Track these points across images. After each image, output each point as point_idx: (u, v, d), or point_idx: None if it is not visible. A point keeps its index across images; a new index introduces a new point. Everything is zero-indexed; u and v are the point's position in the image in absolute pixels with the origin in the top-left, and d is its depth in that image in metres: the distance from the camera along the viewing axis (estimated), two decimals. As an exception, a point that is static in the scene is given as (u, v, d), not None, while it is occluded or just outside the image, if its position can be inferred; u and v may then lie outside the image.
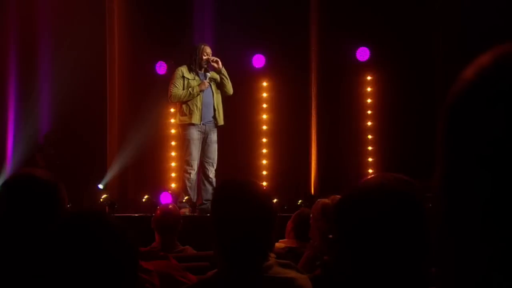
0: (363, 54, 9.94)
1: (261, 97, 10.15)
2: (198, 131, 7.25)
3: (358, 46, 9.90)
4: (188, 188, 7.27)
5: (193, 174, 7.28)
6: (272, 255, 2.18)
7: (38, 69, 9.18)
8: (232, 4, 9.74)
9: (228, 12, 9.75)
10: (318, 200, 4.11)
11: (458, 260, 0.66)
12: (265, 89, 10.18)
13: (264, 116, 10.10)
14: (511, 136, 0.64)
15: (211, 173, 7.37)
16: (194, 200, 7.36)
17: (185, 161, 7.27)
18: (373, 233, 1.41)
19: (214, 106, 7.36)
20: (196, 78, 7.30)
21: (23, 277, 1.81)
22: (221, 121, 7.41)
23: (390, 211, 1.43)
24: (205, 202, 7.13)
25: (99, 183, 8.79)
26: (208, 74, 7.40)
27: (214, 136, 7.40)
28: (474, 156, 0.67)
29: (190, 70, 7.30)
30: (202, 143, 7.31)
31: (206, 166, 7.35)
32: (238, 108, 9.94)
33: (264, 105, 10.13)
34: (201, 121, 7.26)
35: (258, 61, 10.13)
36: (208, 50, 7.39)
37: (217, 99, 7.41)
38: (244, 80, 10.05)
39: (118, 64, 9.36)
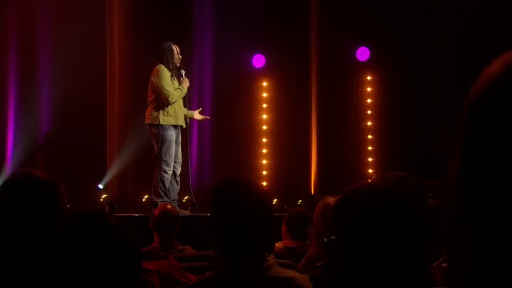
0: (363, 54, 9.95)
1: (261, 97, 10.16)
2: (175, 132, 7.23)
3: (358, 46, 9.90)
4: (167, 190, 7.21)
5: (170, 175, 7.26)
6: (271, 255, 2.18)
7: (38, 69, 9.17)
8: (232, 5, 9.74)
9: (228, 13, 9.75)
10: (324, 197, 4.07)
11: (469, 252, 0.66)
12: (265, 89, 10.18)
13: (264, 116, 10.11)
14: None
15: (179, 172, 7.37)
16: (170, 200, 7.30)
17: (163, 162, 7.17)
18: (370, 233, 1.41)
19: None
20: (175, 78, 7.27)
21: (23, 277, 1.81)
22: (184, 123, 7.39)
23: (388, 211, 1.43)
24: (172, 201, 7.10)
25: (99, 183, 8.79)
26: (183, 71, 7.35)
27: (180, 137, 7.39)
28: (499, 151, 0.66)
29: (169, 70, 7.23)
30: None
31: (176, 166, 7.33)
32: (238, 108, 9.95)
33: (264, 105, 10.14)
34: (183, 122, 7.26)
35: (258, 61, 10.13)
36: (178, 49, 7.35)
37: (186, 100, 7.39)
38: (244, 80, 10.06)
39: (118, 64, 9.36)
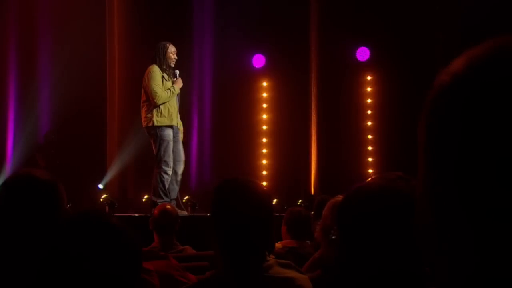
0: (363, 54, 9.95)
1: (261, 97, 10.16)
2: (172, 132, 7.21)
3: (358, 46, 9.91)
4: (167, 190, 7.20)
5: (170, 175, 7.24)
6: (271, 255, 2.18)
7: (38, 69, 9.18)
8: (232, 5, 9.74)
9: (228, 13, 9.75)
10: (336, 196, 4.05)
11: (461, 260, 0.65)
12: (265, 89, 10.18)
13: (264, 116, 10.11)
14: (487, 140, 0.62)
15: (180, 170, 7.35)
16: (169, 200, 7.28)
17: (163, 162, 7.15)
18: (371, 232, 1.41)
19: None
20: (170, 79, 7.24)
21: (23, 277, 1.81)
22: (180, 123, 7.37)
23: (389, 210, 1.43)
24: (171, 201, 7.10)
25: (99, 183, 8.79)
26: (178, 72, 7.31)
27: (180, 136, 7.36)
28: (451, 162, 0.65)
29: (162, 70, 7.21)
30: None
31: (178, 165, 7.31)
32: (238, 108, 9.95)
33: (264, 105, 10.14)
34: (177, 122, 7.23)
35: (258, 61, 10.13)
36: (173, 49, 7.31)
37: (178, 100, 7.37)
38: (244, 80, 10.06)
39: (118, 64, 9.36)
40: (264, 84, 10.16)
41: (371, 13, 9.38)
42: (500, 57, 0.66)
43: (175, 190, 7.29)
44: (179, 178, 7.32)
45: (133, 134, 9.01)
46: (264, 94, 10.16)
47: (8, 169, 8.76)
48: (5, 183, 2.09)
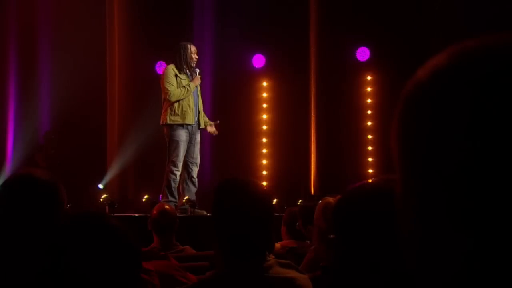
0: (363, 54, 9.95)
1: (261, 97, 10.15)
2: (186, 132, 7.19)
3: (358, 46, 9.90)
4: (173, 189, 7.22)
5: (178, 175, 7.24)
6: (271, 255, 2.18)
7: (38, 69, 9.17)
8: (232, 5, 9.74)
9: (228, 13, 9.75)
10: (324, 198, 4.06)
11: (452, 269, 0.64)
12: (265, 89, 10.18)
13: (264, 116, 10.10)
14: (467, 141, 0.60)
15: (195, 173, 7.34)
16: (177, 201, 7.29)
17: (171, 162, 7.17)
18: (367, 233, 1.41)
19: (198, 108, 7.34)
20: (186, 77, 7.27)
21: (23, 277, 1.81)
22: (202, 124, 7.37)
23: (384, 211, 1.43)
24: (186, 202, 7.12)
25: (99, 183, 8.79)
26: (197, 70, 7.35)
27: (198, 137, 7.34)
28: (427, 164, 0.63)
29: (180, 69, 7.23)
30: (188, 144, 7.26)
31: (191, 166, 7.30)
32: (238, 108, 9.95)
33: (264, 105, 10.13)
34: (193, 121, 7.21)
35: (258, 61, 10.13)
36: (194, 48, 7.35)
37: (200, 101, 7.39)
38: (244, 80, 10.06)
39: (118, 64, 9.36)
40: (264, 84, 10.16)
41: (371, 13, 9.38)
42: (485, 52, 0.65)
43: (189, 191, 7.28)
44: (194, 180, 7.33)
45: (133, 134, 9.02)
46: (264, 94, 10.15)
47: (8, 169, 8.76)
48: (5, 183, 2.09)
